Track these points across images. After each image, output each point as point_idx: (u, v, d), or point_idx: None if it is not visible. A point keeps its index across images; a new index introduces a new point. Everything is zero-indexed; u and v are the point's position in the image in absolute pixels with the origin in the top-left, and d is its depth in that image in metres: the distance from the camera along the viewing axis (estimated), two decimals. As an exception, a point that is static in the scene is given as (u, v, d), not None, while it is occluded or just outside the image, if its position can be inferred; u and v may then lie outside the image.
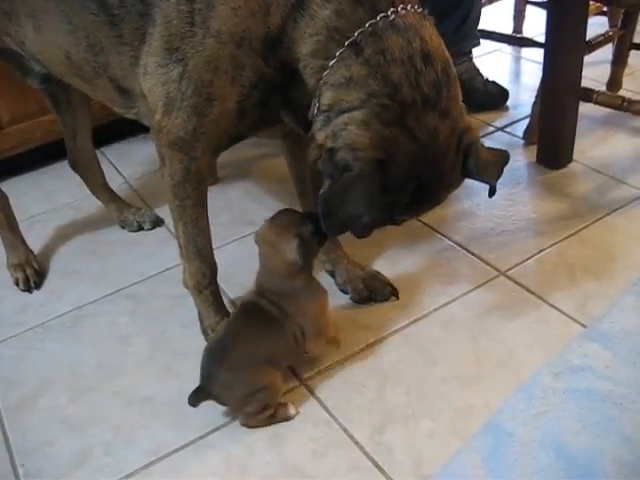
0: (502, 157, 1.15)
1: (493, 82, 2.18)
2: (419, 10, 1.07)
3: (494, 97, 2.16)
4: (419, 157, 1.03)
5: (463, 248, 1.60)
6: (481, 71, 2.21)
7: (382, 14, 1.03)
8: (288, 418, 1.25)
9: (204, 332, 1.40)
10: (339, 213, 1.05)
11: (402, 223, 1.19)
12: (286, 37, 1.06)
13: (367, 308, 1.47)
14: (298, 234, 1.19)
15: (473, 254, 1.58)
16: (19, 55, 1.40)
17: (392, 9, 1.03)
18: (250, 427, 1.25)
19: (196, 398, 1.22)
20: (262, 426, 1.25)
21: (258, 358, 1.22)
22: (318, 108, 1.08)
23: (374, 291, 1.47)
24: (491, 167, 1.12)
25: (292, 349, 1.26)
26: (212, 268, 1.36)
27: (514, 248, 1.58)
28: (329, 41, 1.04)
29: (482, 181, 1.12)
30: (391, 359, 1.34)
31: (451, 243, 1.62)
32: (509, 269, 1.52)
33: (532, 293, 1.45)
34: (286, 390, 1.30)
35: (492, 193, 1.15)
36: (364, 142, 1.02)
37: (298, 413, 1.26)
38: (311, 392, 1.30)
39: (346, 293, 1.49)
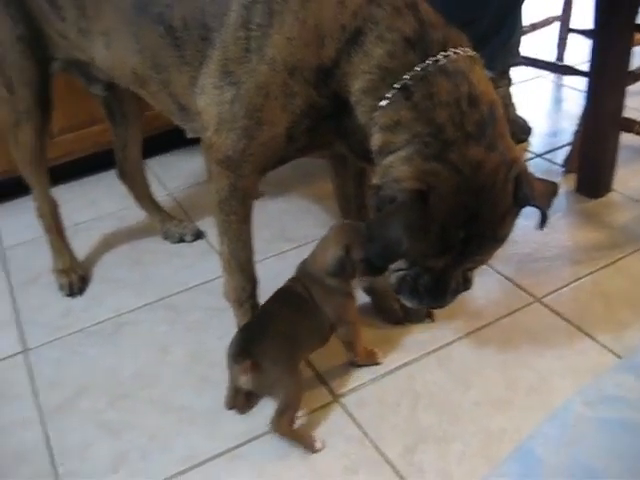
0: (552, 187, 1.17)
1: (520, 116, 2.18)
2: (469, 53, 1.11)
3: (522, 131, 2.16)
4: (463, 188, 1.06)
5: (499, 273, 1.61)
6: (522, 100, 2.22)
7: (433, 58, 1.07)
8: (312, 447, 1.25)
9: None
10: (380, 239, 1.09)
11: (472, 279, 1.23)
12: (339, 70, 1.10)
13: (402, 329, 1.48)
14: (347, 248, 1.24)
15: (509, 279, 1.59)
16: (86, 65, 1.46)
17: (443, 53, 1.07)
18: (277, 432, 1.27)
19: (237, 355, 1.23)
20: (289, 438, 1.27)
21: (292, 338, 1.26)
22: (374, 151, 1.12)
23: (409, 312, 1.49)
24: (542, 196, 1.14)
25: (323, 332, 1.31)
26: (253, 282, 1.39)
27: (550, 275, 1.59)
28: (381, 81, 1.08)
29: (535, 207, 1.13)
30: (424, 380, 1.36)
31: (487, 268, 1.63)
32: (544, 296, 1.53)
33: (567, 321, 1.46)
34: (320, 405, 1.33)
35: (544, 222, 1.16)
36: (406, 175, 1.06)
37: (323, 448, 1.26)
38: (345, 409, 1.32)
39: (382, 313, 1.51)
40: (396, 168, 1.07)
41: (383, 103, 1.09)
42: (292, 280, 1.34)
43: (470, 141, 1.05)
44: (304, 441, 1.26)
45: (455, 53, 1.09)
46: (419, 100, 1.06)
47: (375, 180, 1.12)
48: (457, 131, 1.05)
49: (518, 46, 2.09)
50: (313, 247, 1.35)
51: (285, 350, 1.25)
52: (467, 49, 1.11)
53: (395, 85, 1.07)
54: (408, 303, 1.25)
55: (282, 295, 1.33)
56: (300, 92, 1.13)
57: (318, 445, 1.26)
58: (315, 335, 1.32)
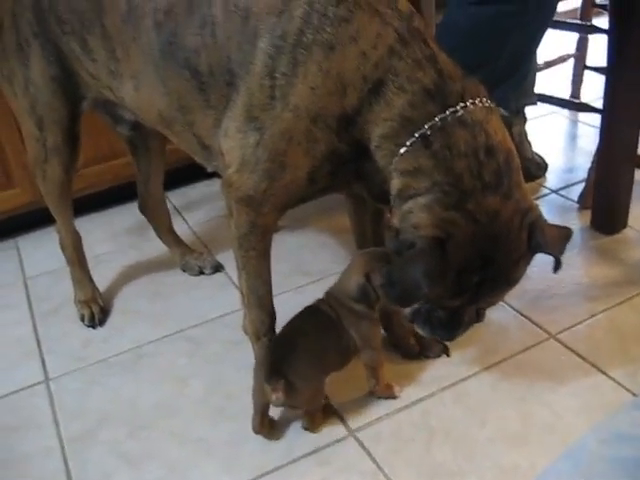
0: (565, 233, 1.21)
1: (535, 153, 2.21)
2: (487, 103, 1.15)
3: (538, 167, 2.19)
4: (480, 237, 1.10)
5: (514, 309, 1.63)
6: (537, 136, 2.25)
7: (451, 108, 1.11)
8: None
9: (269, 382, 1.44)
10: (401, 284, 1.13)
11: (483, 316, 1.27)
12: (360, 117, 1.14)
13: (418, 363, 1.50)
14: (367, 276, 1.29)
15: (524, 315, 1.61)
16: (114, 105, 1.51)
17: (461, 104, 1.12)
18: (312, 430, 1.37)
19: (271, 376, 1.28)
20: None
21: (320, 354, 1.33)
22: (392, 194, 1.15)
23: (425, 347, 1.51)
24: (556, 242, 1.17)
25: (345, 356, 1.36)
26: (271, 316, 1.42)
27: (565, 312, 1.60)
28: (401, 129, 1.12)
29: (548, 254, 1.17)
30: (440, 415, 1.37)
31: (503, 304, 1.65)
32: (559, 332, 1.54)
33: (582, 358, 1.47)
34: (335, 439, 1.34)
35: (558, 267, 1.19)
36: (425, 222, 1.10)
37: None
38: (360, 443, 1.33)
39: (398, 348, 1.52)
40: (415, 214, 1.11)
41: (403, 150, 1.13)
42: (320, 301, 1.38)
43: (487, 191, 1.09)
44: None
45: (473, 104, 1.13)
46: (438, 149, 1.10)
47: (394, 222, 1.16)
48: (475, 181, 1.09)
49: (533, 86, 2.13)
50: (330, 281, 1.39)
51: (314, 366, 1.32)
52: (484, 99, 1.15)
53: (415, 134, 1.11)
54: (421, 332, 1.29)
55: (309, 313, 1.38)
56: (322, 138, 1.17)
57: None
58: (339, 355, 1.36)
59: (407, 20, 1.15)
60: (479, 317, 1.27)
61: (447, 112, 1.11)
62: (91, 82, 1.47)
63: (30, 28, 1.44)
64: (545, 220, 1.17)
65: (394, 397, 1.42)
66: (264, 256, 1.34)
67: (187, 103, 1.30)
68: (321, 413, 1.38)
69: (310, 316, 1.37)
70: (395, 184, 1.15)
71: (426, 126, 1.11)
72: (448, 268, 1.10)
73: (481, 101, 1.14)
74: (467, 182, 1.09)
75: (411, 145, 1.12)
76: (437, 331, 1.25)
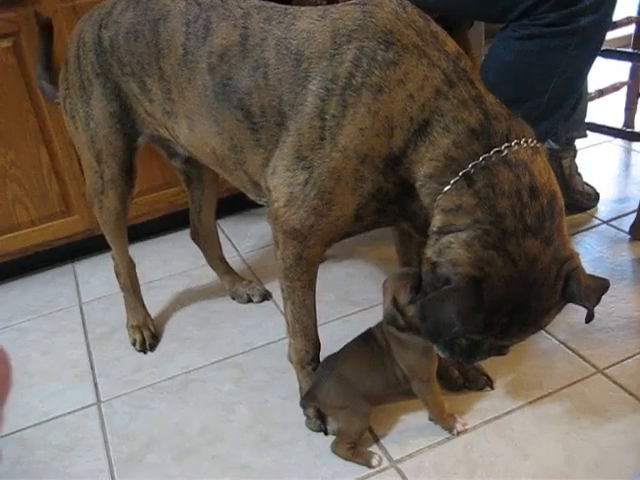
0: (602, 285, 1.20)
1: (586, 183, 2.19)
2: (532, 144, 1.16)
3: (589, 198, 2.16)
4: (516, 280, 1.10)
5: (561, 342, 1.61)
6: (589, 165, 2.23)
7: (496, 149, 1.13)
8: (369, 464, 1.36)
9: (303, 406, 1.47)
10: (433, 319, 1.14)
11: (507, 351, 1.28)
12: (406, 158, 1.17)
13: (461, 395, 1.49)
14: (394, 299, 1.32)
15: (571, 349, 1.59)
16: (169, 141, 1.57)
17: (506, 144, 1.13)
18: (335, 453, 1.39)
19: (305, 400, 1.42)
20: (346, 459, 1.37)
21: (356, 380, 1.36)
22: (432, 229, 1.17)
23: (469, 379, 1.50)
24: (591, 293, 1.16)
25: (389, 385, 1.39)
26: (315, 346, 1.44)
27: (613, 346, 1.57)
28: (446, 168, 1.15)
29: (582, 305, 1.16)
30: (482, 449, 1.36)
31: (549, 337, 1.63)
32: (607, 367, 1.51)
33: (631, 394, 1.44)
34: (377, 470, 1.35)
35: (590, 319, 1.18)
36: (463, 260, 1.11)
37: (379, 465, 1.36)
38: (401, 474, 1.33)
39: (441, 379, 1.52)
40: (454, 250, 1.12)
41: (446, 188, 1.15)
42: (377, 326, 1.41)
43: (528, 233, 1.10)
44: (361, 458, 1.37)
45: (517, 144, 1.14)
46: (481, 188, 1.12)
47: (429, 255, 1.17)
48: (517, 222, 1.10)
49: (583, 119, 2.11)
50: (377, 311, 1.42)
51: (344, 394, 1.36)
52: (530, 140, 1.16)
53: (460, 172, 1.13)
54: (440, 353, 1.30)
55: (362, 338, 1.42)
56: (370, 177, 1.20)
57: (374, 462, 1.36)
58: (383, 383, 1.39)
59: (454, 61, 1.17)
60: (501, 351, 1.27)
61: (491, 152, 1.12)
62: (147, 120, 1.53)
63: (92, 68, 1.52)
64: (583, 270, 1.17)
65: (453, 431, 1.40)
66: (309, 287, 1.37)
67: (239, 142, 1.34)
68: (357, 445, 1.38)
69: (360, 341, 1.41)
70: (437, 221, 1.17)
71: (470, 165, 1.12)
72: (481, 307, 1.11)
73: (526, 141, 1.15)
74: (509, 223, 1.10)
75: (454, 184, 1.14)
76: (456, 355, 1.26)
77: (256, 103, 1.27)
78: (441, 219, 1.16)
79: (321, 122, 1.19)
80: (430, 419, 1.43)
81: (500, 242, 1.10)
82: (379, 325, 1.40)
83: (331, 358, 1.42)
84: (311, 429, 1.45)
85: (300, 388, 1.48)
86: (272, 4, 1.32)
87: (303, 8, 1.28)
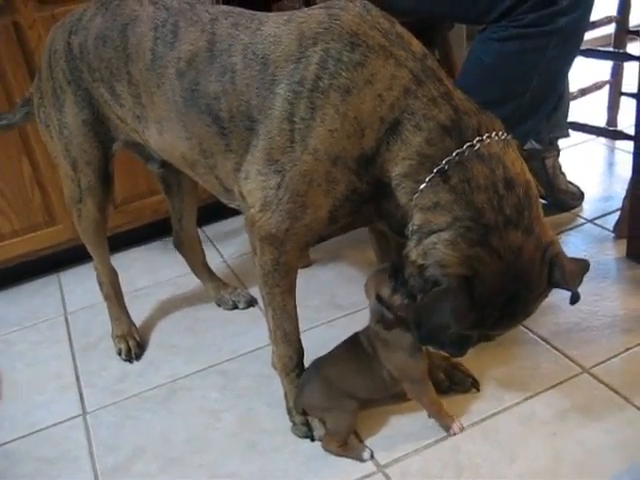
0: (583, 266, 1.22)
1: (570, 182, 2.19)
2: (503, 136, 1.16)
3: (573, 197, 2.16)
4: (505, 274, 1.11)
5: (547, 342, 1.61)
6: (573, 164, 2.23)
7: (468, 143, 1.13)
8: (360, 458, 1.38)
9: (289, 412, 1.47)
10: (428, 323, 1.14)
11: (495, 338, 1.27)
12: (379, 157, 1.17)
13: (447, 398, 1.48)
14: (378, 296, 1.32)
15: (556, 349, 1.58)
16: (142, 146, 1.57)
17: (478, 138, 1.13)
18: (326, 450, 1.40)
19: (297, 405, 1.43)
20: (337, 454, 1.39)
21: (342, 384, 1.38)
22: (411, 228, 1.17)
23: (455, 382, 1.50)
24: (574, 276, 1.18)
25: (377, 390, 1.40)
26: (299, 352, 1.43)
27: (599, 345, 1.57)
28: (420, 166, 1.15)
29: (566, 289, 1.18)
30: (468, 452, 1.36)
31: (534, 337, 1.63)
32: (593, 366, 1.51)
33: (616, 393, 1.44)
34: (363, 475, 1.34)
35: (575, 300, 1.20)
36: (451, 260, 1.11)
37: (372, 459, 1.37)
38: (388, 479, 1.33)
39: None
40: (439, 250, 1.12)
41: (422, 186, 1.15)
42: (363, 331, 1.41)
43: (509, 226, 1.11)
44: (353, 453, 1.38)
45: (489, 137, 1.14)
46: (457, 183, 1.12)
47: (414, 257, 1.16)
48: (497, 215, 1.10)
49: (565, 119, 2.12)
50: (363, 315, 1.43)
51: (328, 395, 1.38)
52: (500, 133, 1.16)
53: (434, 169, 1.13)
54: (430, 347, 1.31)
55: (348, 342, 1.42)
56: (343, 179, 1.20)
57: (365, 455, 1.38)
58: (372, 388, 1.40)
59: (421, 60, 1.17)
60: (490, 339, 1.28)
61: (464, 147, 1.13)
62: (120, 125, 1.52)
63: (64, 75, 1.51)
64: (564, 254, 1.18)
65: (450, 431, 1.40)
66: (289, 292, 1.37)
67: (208, 147, 1.33)
68: (345, 444, 1.39)
69: (346, 345, 1.42)
70: (416, 219, 1.16)
71: (444, 161, 1.13)
72: (474, 305, 1.11)
73: (497, 134, 1.16)
74: (489, 216, 1.10)
75: (430, 181, 1.14)
76: (446, 348, 1.26)
77: (224, 108, 1.27)
78: (420, 217, 1.16)
79: (290, 125, 1.18)
80: (429, 416, 1.43)
81: (484, 238, 1.10)
82: (365, 330, 1.40)
83: (316, 362, 1.42)
84: (297, 436, 1.45)
85: (285, 395, 1.47)
86: (240, 10, 1.32)
87: (270, 14, 1.28)
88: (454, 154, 1.13)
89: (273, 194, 1.23)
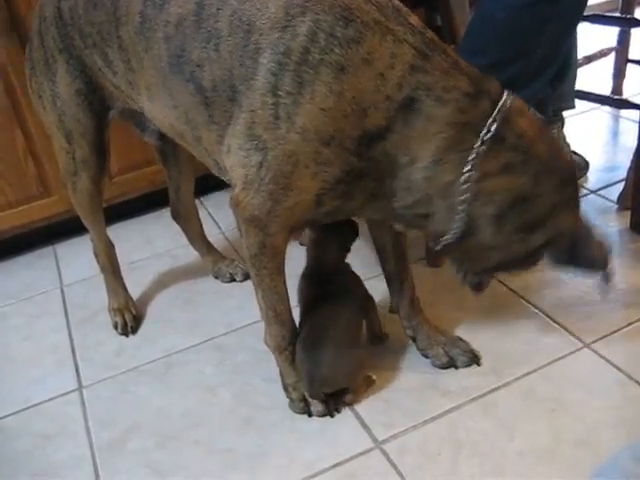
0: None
1: (575, 152, 2.15)
2: (506, 91, 1.16)
3: (578, 168, 2.12)
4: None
5: (548, 316, 1.58)
6: (577, 133, 2.19)
7: (500, 103, 1.12)
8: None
9: (285, 389, 1.45)
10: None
11: None
12: (393, 134, 1.11)
13: (447, 373, 1.47)
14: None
15: (558, 323, 1.56)
16: (140, 114, 1.52)
17: (504, 96, 1.13)
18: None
19: (314, 389, 1.38)
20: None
21: (346, 333, 1.41)
22: (473, 199, 1.15)
23: (454, 357, 1.48)
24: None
25: (362, 319, 1.50)
26: (291, 331, 1.41)
27: (601, 319, 1.55)
28: (460, 136, 1.11)
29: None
30: (468, 428, 1.34)
31: (536, 311, 1.61)
32: (594, 341, 1.49)
33: (618, 369, 1.42)
34: (360, 452, 1.33)
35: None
36: (570, 222, 1.22)
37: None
38: (386, 456, 1.31)
39: (427, 358, 1.50)
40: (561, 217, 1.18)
41: (472, 156, 1.11)
42: (315, 285, 1.47)
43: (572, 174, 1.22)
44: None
45: (505, 95, 1.14)
46: (515, 141, 1.13)
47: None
48: (562, 164, 1.18)
49: (572, 91, 2.07)
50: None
51: (348, 357, 1.40)
52: (505, 90, 1.16)
53: (480, 134, 1.10)
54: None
55: (318, 299, 1.45)
56: (336, 161, 1.14)
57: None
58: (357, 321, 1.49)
59: (421, 33, 1.12)
60: None
61: (498, 107, 1.11)
62: (116, 93, 1.48)
63: (55, 43, 1.47)
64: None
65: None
66: (278, 273, 1.33)
67: (193, 118, 1.29)
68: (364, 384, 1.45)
69: (321, 302, 1.43)
70: (486, 187, 1.13)
71: (487, 124, 1.10)
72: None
73: (503, 91, 1.15)
74: (554, 164, 1.16)
75: (481, 146, 1.11)
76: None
77: (207, 76, 1.21)
78: (493, 184, 1.13)
79: (274, 98, 1.12)
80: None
81: (562, 187, 1.17)
82: (317, 284, 1.47)
83: (309, 336, 1.39)
84: (295, 412, 1.43)
85: (280, 372, 1.45)
86: None
87: None
88: (494, 115, 1.11)
89: (254, 173, 1.18)
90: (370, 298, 1.53)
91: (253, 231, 1.25)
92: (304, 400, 1.42)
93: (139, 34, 1.30)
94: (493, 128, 1.10)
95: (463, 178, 1.13)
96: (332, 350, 1.36)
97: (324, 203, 1.20)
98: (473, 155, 1.11)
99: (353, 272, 1.54)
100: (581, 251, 1.21)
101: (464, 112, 1.11)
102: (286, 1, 1.12)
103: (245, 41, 1.15)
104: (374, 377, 1.47)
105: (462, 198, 1.14)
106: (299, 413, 1.43)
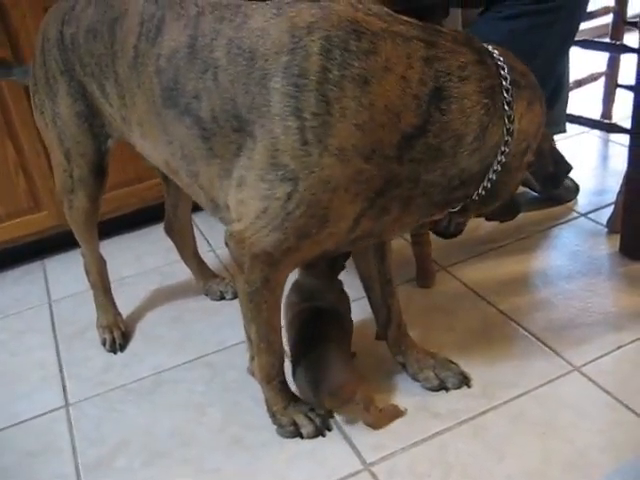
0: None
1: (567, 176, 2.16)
2: None
3: (568, 191, 2.14)
4: None
5: (538, 339, 1.59)
6: (567, 157, 2.20)
7: (494, 55, 1.19)
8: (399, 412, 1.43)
9: (273, 416, 1.43)
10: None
11: None
12: (433, 126, 1.11)
13: (437, 395, 1.47)
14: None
15: (547, 346, 1.56)
16: None
17: (490, 47, 1.20)
18: (376, 427, 1.40)
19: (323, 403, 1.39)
20: (385, 424, 1.41)
21: (345, 351, 1.44)
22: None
23: (445, 379, 1.47)
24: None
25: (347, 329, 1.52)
26: (281, 360, 1.39)
27: (591, 343, 1.55)
28: (492, 98, 1.15)
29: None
30: (457, 450, 1.34)
31: (526, 333, 1.61)
32: (584, 365, 1.49)
33: (607, 392, 1.42)
34: (349, 473, 1.32)
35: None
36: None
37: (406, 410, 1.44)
38: (374, 477, 1.30)
39: (418, 382, 1.50)
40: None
41: (507, 108, 1.16)
42: (307, 303, 1.49)
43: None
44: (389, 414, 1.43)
45: (490, 46, 1.21)
46: (526, 83, 1.21)
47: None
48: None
49: (563, 115, 2.09)
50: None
51: (347, 363, 1.43)
52: None
53: (503, 92, 1.16)
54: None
55: (313, 317, 1.47)
56: (379, 173, 1.12)
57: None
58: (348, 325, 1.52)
59: (417, 25, 1.14)
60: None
61: (497, 57, 1.17)
62: (114, 124, 1.46)
63: (57, 65, 1.46)
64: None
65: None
66: (276, 306, 1.30)
67: (190, 152, 1.25)
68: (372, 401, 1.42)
69: (318, 320, 1.46)
70: (522, 129, 1.19)
71: (501, 78, 1.16)
72: None
73: None
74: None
75: (510, 97, 1.16)
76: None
77: (205, 107, 1.18)
78: (524, 125, 1.20)
79: (298, 121, 1.07)
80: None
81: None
82: (307, 302, 1.50)
83: (311, 363, 1.40)
84: (285, 437, 1.41)
85: (266, 400, 1.43)
86: (228, 1, 1.22)
87: (255, 5, 1.19)
88: (502, 67, 1.16)
89: (279, 206, 1.12)
90: (351, 321, 1.55)
91: (259, 267, 1.20)
92: (294, 424, 1.40)
93: (132, 69, 1.28)
94: (508, 78, 1.16)
95: (506, 131, 1.16)
96: (336, 362, 1.37)
97: (359, 226, 1.17)
98: (507, 108, 1.15)
99: (344, 291, 1.55)
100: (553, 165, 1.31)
101: (484, 79, 1.14)
102: (290, 26, 1.10)
103: (249, 69, 1.12)
104: (403, 409, 1.44)
105: (503, 149, 1.18)
106: (289, 437, 1.41)
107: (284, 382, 1.42)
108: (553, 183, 1.34)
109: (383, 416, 1.40)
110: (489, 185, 1.21)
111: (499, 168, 1.19)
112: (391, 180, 1.13)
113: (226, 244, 1.25)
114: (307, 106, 1.07)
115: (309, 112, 1.07)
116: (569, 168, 1.36)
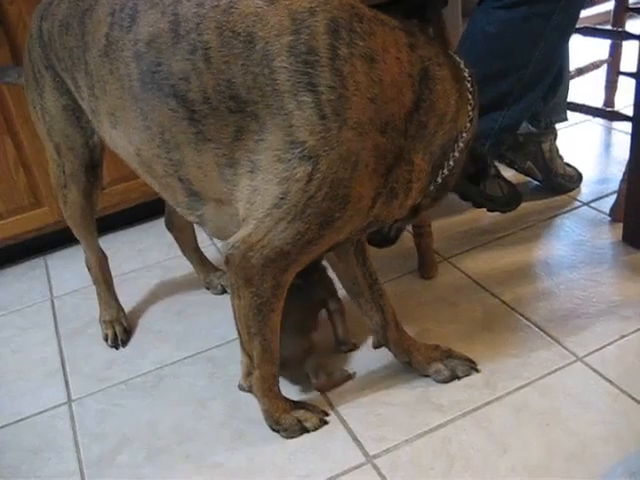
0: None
1: (568, 164, 2.15)
2: None
3: (571, 180, 2.13)
4: None
5: (540, 329, 1.58)
6: (569, 145, 2.20)
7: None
8: (348, 376, 1.52)
9: (275, 423, 1.41)
10: None
11: None
12: (424, 103, 1.16)
13: (440, 387, 1.46)
14: None
15: (550, 336, 1.55)
16: None
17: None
18: (323, 391, 1.50)
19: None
20: (332, 387, 1.50)
21: (293, 324, 1.43)
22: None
23: (455, 369, 1.47)
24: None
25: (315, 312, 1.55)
26: (277, 365, 1.38)
27: (594, 332, 1.54)
28: (461, 87, 1.23)
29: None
30: (460, 442, 1.33)
31: (528, 323, 1.60)
32: (587, 355, 1.48)
33: (610, 382, 1.41)
34: (352, 466, 1.32)
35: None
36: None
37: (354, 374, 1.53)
38: (377, 471, 1.30)
39: (428, 376, 1.48)
40: None
41: (472, 100, 1.25)
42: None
43: None
44: (338, 380, 1.52)
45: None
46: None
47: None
48: None
49: (564, 103, 2.07)
50: None
51: (293, 337, 1.46)
52: None
53: (466, 72, 1.25)
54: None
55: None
56: (392, 148, 1.13)
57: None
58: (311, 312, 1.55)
59: (395, 18, 1.19)
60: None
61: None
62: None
63: (40, 61, 1.46)
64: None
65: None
66: (280, 310, 1.28)
67: (172, 137, 1.20)
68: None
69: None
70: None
71: (462, 67, 1.24)
72: None
73: None
74: None
75: (472, 86, 1.24)
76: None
77: (195, 89, 1.13)
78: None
79: (313, 95, 1.06)
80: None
81: None
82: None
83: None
84: (293, 437, 1.39)
85: (265, 412, 1.41)
86: None
87: None
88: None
89: (300, 189, 1.08)
90: (337, 300, 1.57)
91: (272, 274, 1.17)
92: (298, 422, 1.39)
93: (104, 56, 1.25)
94: (467, 70, 1.24)
95: (467, 118, 1.24)
96: (284, 337, 1.36)
97: (374, 209, 1.17)
98: (470, 97, 1.23)
99: (325, 273, 1.58)
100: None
101: (453, 68, 1.21)
102: (289, 12, 1.09)
103: (247, 51, 1.10)
104: (351, 372, 1.53)
105: (463, 135, 1.23)
106: (297, 436, 1.39)
107: (278, 389, 1.41)
108: (472, 181, 1.40)
109: (331, 380, 1.49)
110: (446, 172, 1.25)
111: (457, 155, 1.24)
112: (399, 155, 1.15)
113: (226, 262, 1.20)
114: (322, 80, 1.07)
115: (325, 85, 1.06)
116: (488, 173, 1.42)
